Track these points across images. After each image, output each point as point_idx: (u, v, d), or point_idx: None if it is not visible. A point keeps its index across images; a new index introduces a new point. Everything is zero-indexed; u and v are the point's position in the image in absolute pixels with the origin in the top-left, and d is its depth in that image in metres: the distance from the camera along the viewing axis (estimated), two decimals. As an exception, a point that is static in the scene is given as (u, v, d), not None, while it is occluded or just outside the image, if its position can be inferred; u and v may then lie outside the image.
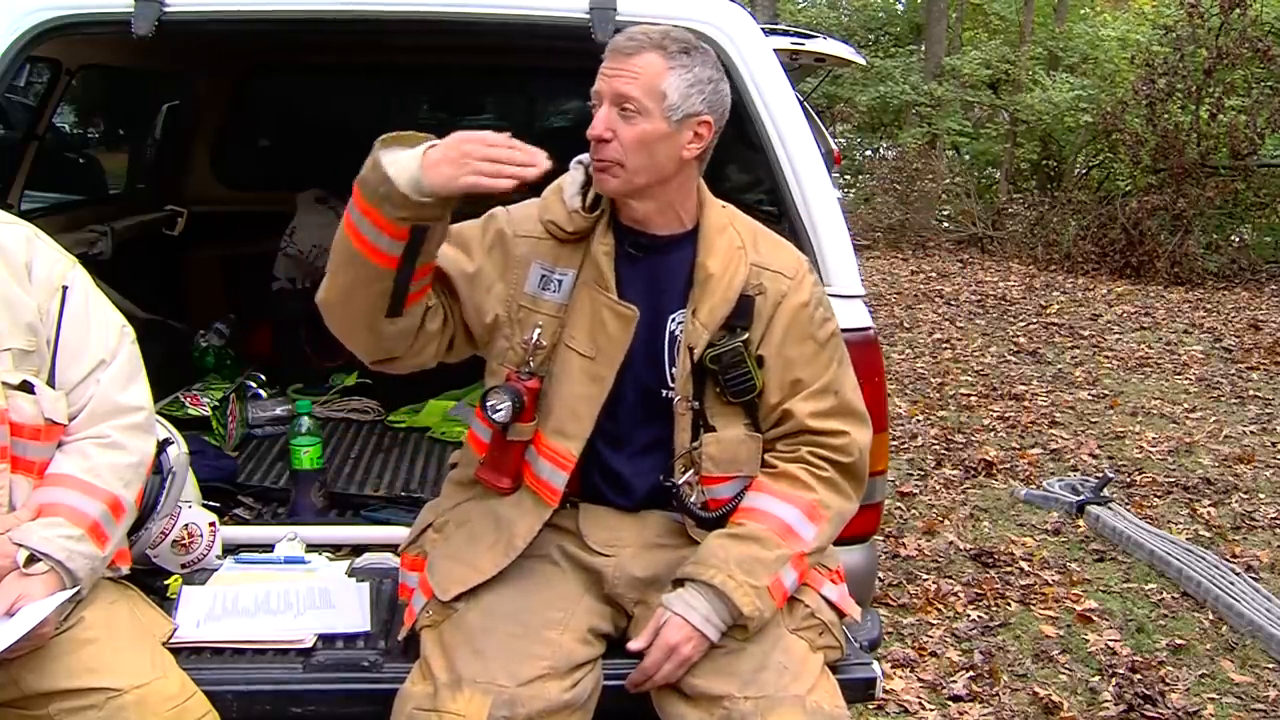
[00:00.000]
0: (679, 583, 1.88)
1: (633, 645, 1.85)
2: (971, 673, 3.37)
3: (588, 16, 2.37)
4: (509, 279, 1.94)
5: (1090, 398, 6.54)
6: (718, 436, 1.94)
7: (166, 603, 2.15)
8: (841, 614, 2.00)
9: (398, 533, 2.45)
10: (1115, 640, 3.57)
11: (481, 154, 1.69)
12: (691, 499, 1.96)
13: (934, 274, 11.20)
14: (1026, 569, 4.13)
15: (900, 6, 20.95)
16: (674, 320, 1.94)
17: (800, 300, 1.95)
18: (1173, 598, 3.89)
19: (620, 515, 2.01)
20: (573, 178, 1.96)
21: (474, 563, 1.92)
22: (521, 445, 1.96)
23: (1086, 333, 8.33)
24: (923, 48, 17.02)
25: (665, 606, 1.84)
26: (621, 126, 1.83)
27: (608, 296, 1.91)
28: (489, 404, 1.91)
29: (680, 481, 1.95)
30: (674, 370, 1.94)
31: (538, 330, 1.93)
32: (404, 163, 1.72)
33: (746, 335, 1.92)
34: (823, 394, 1.96)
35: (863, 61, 10.32)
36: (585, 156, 1.96)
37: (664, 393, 1.95)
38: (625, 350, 1.91)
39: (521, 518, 1.94)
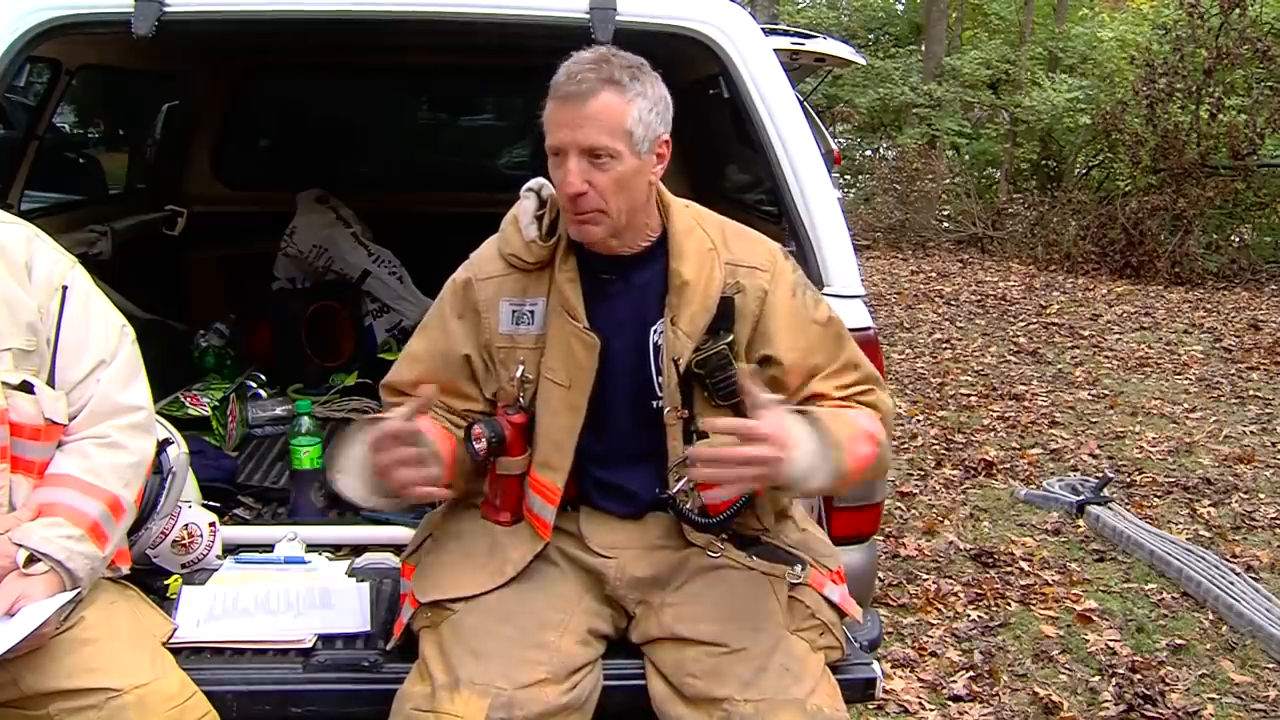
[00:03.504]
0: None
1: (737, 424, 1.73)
2: (971, 673, 3.37)
3: (588, 16, 2.37)
4: (482, 324, 1.94)
5: (1090, 398, 6.54)
6: (710, 443, 1.90)
7: (166, 603, 2.15)
8: (843, 614, 1.99)
9: (398, 533, 2.46)
10: (1115, 640, 3.57)
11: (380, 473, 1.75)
12: (688, 505, 1.95)
13: (934, 274, 11.20)
14: (1026, 569, 4.13)
15: (900, 6, 20.94)
16: (655, 331, 1.92)
17: (786, 291, 1.93)
18: (1173, 598, 3.88)
19: (621, 520, 2.01)
20: (525, 207, 1.95)
21: (461, 579, 1.92)
22: (517, 479, 1.97)
23: (1086, 333, 8.33)
24: (923, 48, 17.01)
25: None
26: (596, 175, 1.78)
27: (574, 325, 1.89)
28: (470, 436, 1.90)
29: (675, 490, 1.94)
30: (661, 380, 1.93)
31: (521, 366, 1.93)
32: (353, 491, 1.84)
33: (731, 337, 1.90)
34: (845, 370, 1.95)
35: (863, 62, 10.32)
36: (535, 182, 1.96)
37: (654, 404, 1.94)
38: (593, 377, 1.90)
39: (517, 546, 1.95)
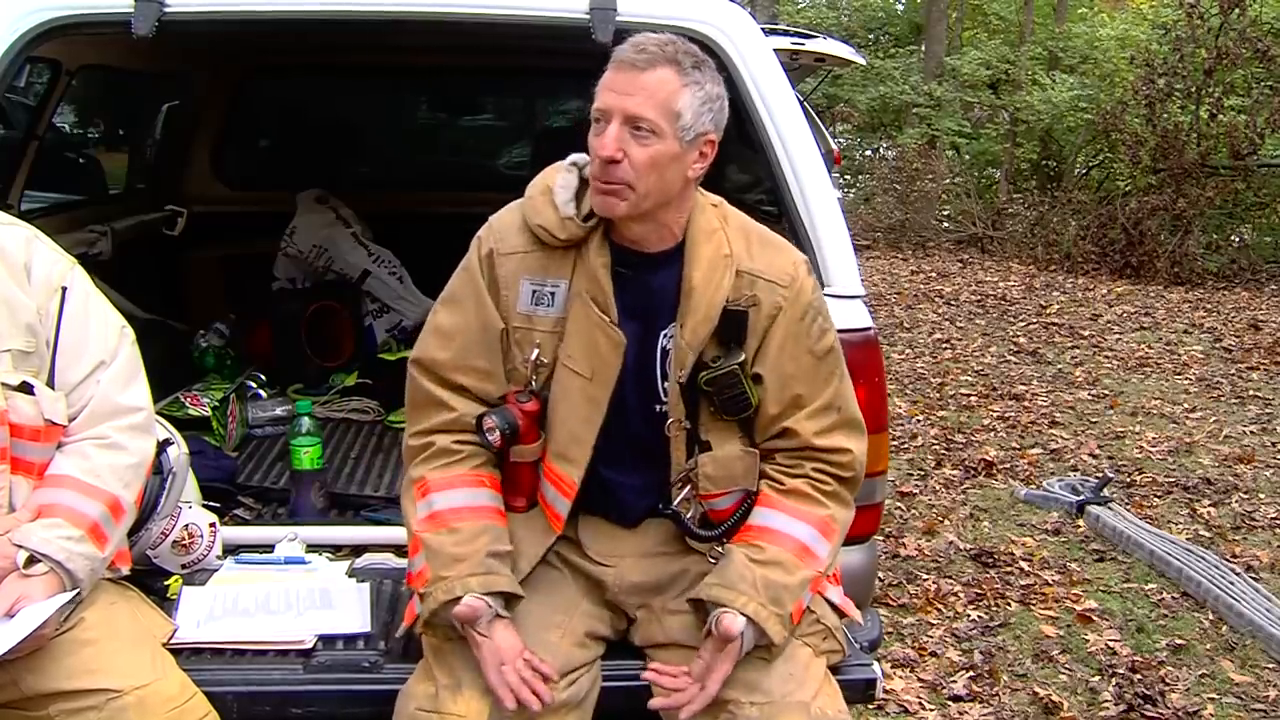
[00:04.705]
0: (697, 602, 1.85)
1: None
2: (971, 673, 3.37)
3: (588, 16, 2.37)
4: (501, 301, 1.89)
5: (1090, 398, 6.54)
6: (714, 456, 1.90)
7: (166, 603, 2.15)
8: (843, 615, 1.99)
9: (398, 533, 2.44)
10: (1115, 640, 3.57)
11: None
12: (689, 515, 1.93)
13: (934, 274, 11.19)
14: (1026, 569, 4.13)
15: (900, 6, 20.92)
16: (665, 336, 1.89)
17: (797, 313, 1.88)
18: (1173, 598, 3.88)
19: (620, 527, 1.99)
20: (565, 180, 1.87)
21: None
22: (531, 465, 1.93)
23: (1086, 333, 8.33)
24: (923, 48, 17.01)
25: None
26: (633, 147, 1.73)
27: (601, 317, 1.84)
28: (483, 427, 1.87)
29: (677, 500, 1.92)
30: (666, 385, 1.90)
31: (536, 349, 1.88)
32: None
33: (743, 356, 1.85)
34: (825, 411, 1.90)
35: (863, 61, 10.32)
36: (579, 158, 1.88)
37: (658, 408, 1.91)
38: (617, 373, 1.86)
39: (530, 539, 1.93)
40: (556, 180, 1.88)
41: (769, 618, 1.79)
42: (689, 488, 1.91)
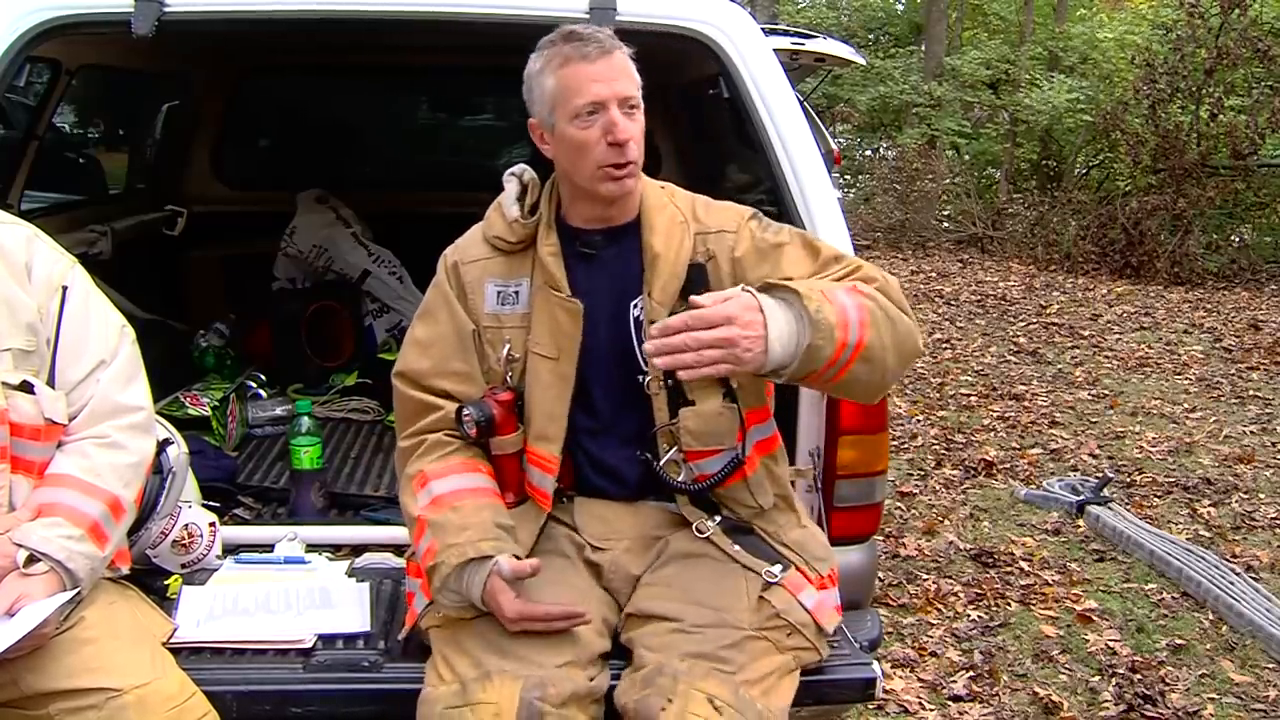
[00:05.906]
0: None
1: (694, 299, 1.69)
2: (971, 673, 3.37)
3: (588, 16, 2.37)
4: (469, 305, 1.99)
5: (1090, 398, 6.54)
6: (696, 410, 1.95)
7: (166, 603, 2.15)
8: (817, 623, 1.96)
9: (398, 533, 2.45)
10: (1115, 640, 3.57)
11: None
12: (680, 477, 1.97)
13: (934, 274, 11.19)
14: (1026, 569, 4.13)
15: (900, 6, 20.93)
16: (635, 306, 1.96)
17: (748, 240, 1.94)
18: (1173, 598, 3.88)
19: (615, 507, 2.02)
20: (508, 191, 2.01)
21: None
22: (514, 458, 1.99)
23: (1086, 333, 8.33)
24: (923, 48, 17.01)
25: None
26: (631, 126, 1.85)
27: (558, 296, 1.94)
28: (461, 419, 1.95)
29: (664, 460, 1.95)
30: (644, 353, 1.92)
31: (508, 345, 1.98)
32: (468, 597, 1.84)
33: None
34: (826, 265, 1.91)
35: (863, 61, 10.32)
36: (517, 168, 2.02)
37: (639, 378, 1.97)
38: (579, 344, 1.94)
39: (523, 525, 1.97)
40: (503, 195, 2.02)
41: (802, 285, 1.73)
42: (674, 447, 1.96)
